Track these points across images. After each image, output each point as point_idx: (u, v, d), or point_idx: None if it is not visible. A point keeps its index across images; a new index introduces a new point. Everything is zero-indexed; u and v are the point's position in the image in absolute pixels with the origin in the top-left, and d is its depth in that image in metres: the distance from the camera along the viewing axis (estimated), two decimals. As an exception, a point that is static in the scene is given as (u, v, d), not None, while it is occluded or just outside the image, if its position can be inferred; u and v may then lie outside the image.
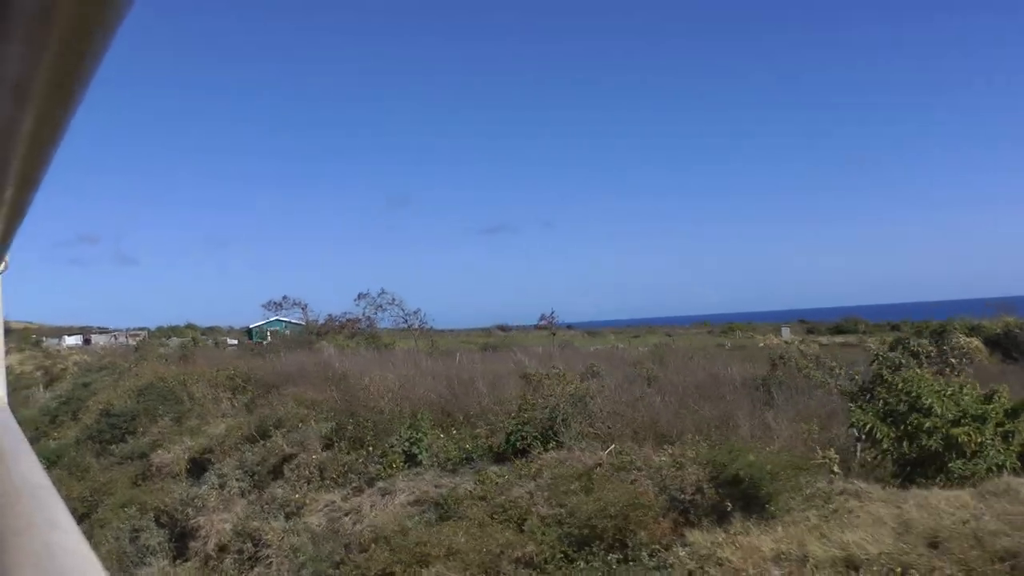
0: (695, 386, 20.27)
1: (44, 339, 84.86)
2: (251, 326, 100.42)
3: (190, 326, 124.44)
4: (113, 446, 24.73)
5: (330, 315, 54.18)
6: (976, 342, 32.15)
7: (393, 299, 53.47)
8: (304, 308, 54.30)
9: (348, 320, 54.02)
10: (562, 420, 13.06)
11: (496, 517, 10.47)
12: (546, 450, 13.13)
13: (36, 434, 31.23)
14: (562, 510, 10.01)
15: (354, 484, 14.75)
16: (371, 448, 15.85)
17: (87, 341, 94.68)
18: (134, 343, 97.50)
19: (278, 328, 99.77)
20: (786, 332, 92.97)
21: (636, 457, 11.02)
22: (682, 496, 9.37)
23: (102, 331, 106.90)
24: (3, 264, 1.64)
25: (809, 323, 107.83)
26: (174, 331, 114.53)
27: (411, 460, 14.67)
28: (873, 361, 15.98)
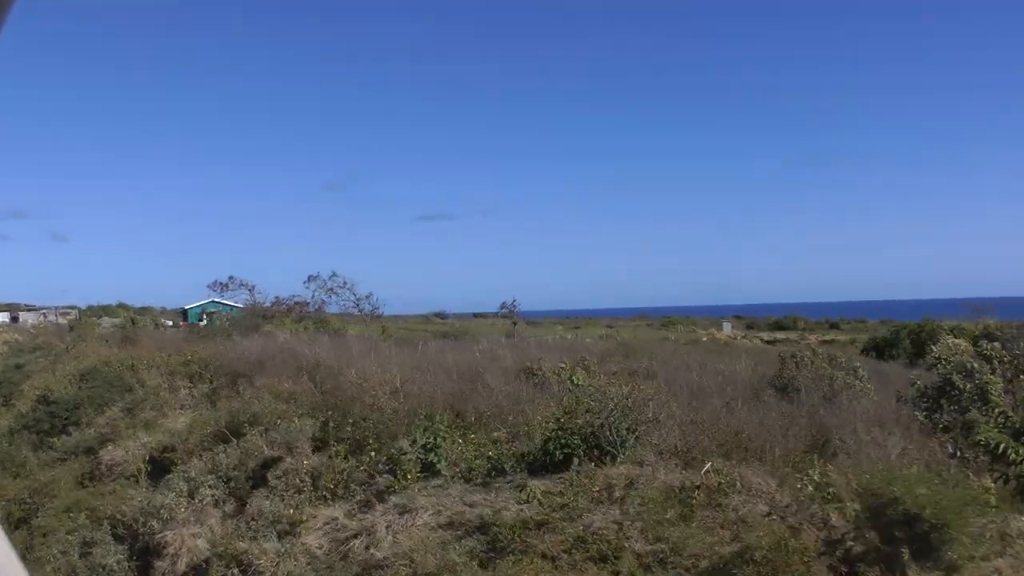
0: (715, 387, 18.68)
1: None
2: (187, 307, 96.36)
3: (122, 306, 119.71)
4: (54, 439, 21.75)
5: (277, 297, 51.18)
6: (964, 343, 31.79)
7: (345, 282, 50.84)
8: (252, 289, 51.01)
9: (296, 303, 51.17)
10: (616, 426, 11.12)
11: (576, 553, 8.44)
12: (595, 462, 11.21)
13: (-41, 421, 27.92)
14: (663, 546, 8.06)
15: (358, 497, 12.55)
16: (374, 453, 13.68)
17: (15, 319, 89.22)
18: (66, 322, 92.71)
19: (217, 310, 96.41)
20: (727, 327, 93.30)
21: (733, 477, 9.15)
22: (834, 536, 7.57)
23: (29, 308, 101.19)
24: None
25: (747, 318, 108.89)
26: (105, 311, 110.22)
27: (427, 469, 12.56)
28: (934, 365, 14.62)
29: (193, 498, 14.70)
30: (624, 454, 11.18)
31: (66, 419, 22.74)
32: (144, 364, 25.62)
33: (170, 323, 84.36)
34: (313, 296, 50.22)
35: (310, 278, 50.47)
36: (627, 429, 10.99)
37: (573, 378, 18.53)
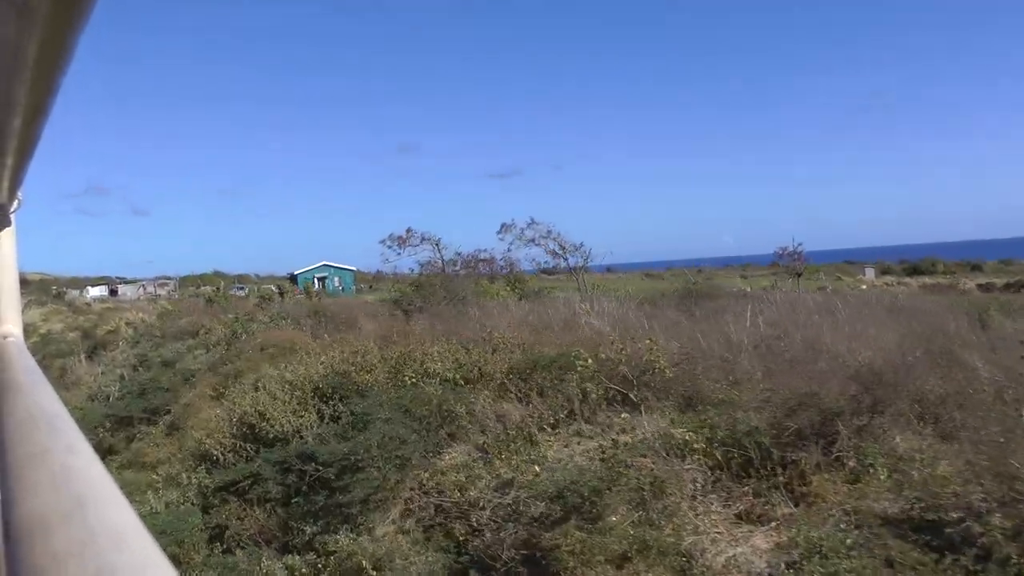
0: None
1: (66, 290, 70.57)
2: (296, 272, 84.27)
3: (218, 274, 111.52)
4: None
5: (458, 253, 39.59)
6: None
7: (548, 231, 38.91)
8: (437, 244, 39.47)
9: (483, 260, 39.64)
10: None
11: None
12: None
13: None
14: None
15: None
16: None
17: (113, 292, 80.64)
18: (163, 293, 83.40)
19: (327, 275, 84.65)
20: (870, 273, 79.38)
21: None
22: None
23: (121, 280, 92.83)
24: (17, 202, 1.52)
25: (882, 264, 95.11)
26: (202, 279, 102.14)
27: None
28: None
29: None
30: None
31: (344, 482, 11.42)
32: (469, 373, 14.13)
33: (277, 290, 74.93)
34: (509, 249, 38.50)
35: (504, 227, 38.73)
36: None
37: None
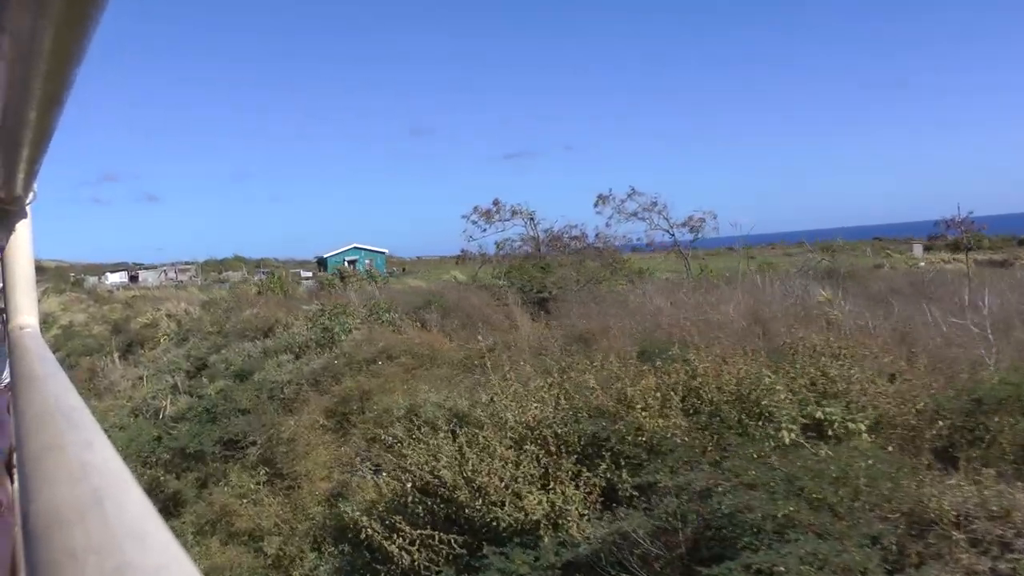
0: None
1: (84, 277, 65.34)
2: (325, 255, 78.78)
3: (239, 259, 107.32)
4: None
5: (548, 229, 33.56)
6: None
7: (654, 203, 33.04)
8: (531, 218, 33.52)
9: (574, 236, 33.78)
10: None
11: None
12: None
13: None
14: None
15: None
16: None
17: (133, 278, 76.47)
18: (185, 279, 78.97)
19: (356, 257, 79.57)
20: (918, 250, 74.90)
21: None
22: None
23: (140, 266, 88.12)
24: (32, 193, 1.55)
25: (914, 240, 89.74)
26: (223, 265, 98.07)
27: None
28: None
29: None
30: None
31: None
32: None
33: (309, 275, 68.01)
34: (608, 223, 32.68)
35: (601, 199, 32.75)
36: None
37: None
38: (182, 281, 74.54)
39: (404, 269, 75.74)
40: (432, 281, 42.68)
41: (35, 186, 1.57)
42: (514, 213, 33.39)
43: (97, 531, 0.41)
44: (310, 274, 70.79)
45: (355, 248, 79.13)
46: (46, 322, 35.55)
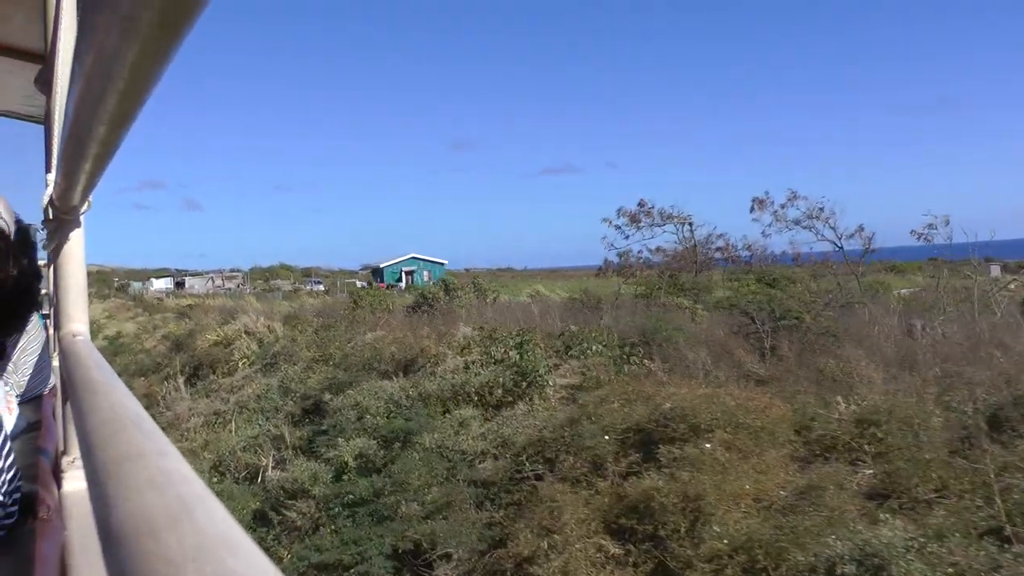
0: None
1: (129, 283, 61.04)
2: (381, 265, 74.23)
3: (284, 267, 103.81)
4: None
5: (712, 233, 27.62)
6: None
7: (820, 209, 27.04)
8: (687, 223, 27.73)
9: (718, 247, 28.02)
10: None
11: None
12: None
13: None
14: None
15: None
16: None
17: (179, 284, 72.29)
18: (233, 287, 75.34)
19: (415, 267, 74.95)
20: (995, 270, 69.79)
21: None
22: None
23: (184, 272, 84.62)
24: (87, 204, 1.54)
25: (971, 261, 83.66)
26: (269, 272, 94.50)
27: None
28: None
29: None
30: None
31: None
32: None
33: (365, 285, 64.42)
34: (766, 233, 27.06)
35: (757, 203, 26.82)
36: None
37: None
38: (231, 289, 70.31)
39: (475, 282, 70.93)
40: (533, 297, 36.87)
41: (90, 197, 1.56)
42: (667, 217, 27.52)
43: (191, 538, 0.41)
44: (365, 284, 67.37)
45: (413, 258, 74.23)
46: (92, 330, 32.03)
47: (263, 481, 15.21)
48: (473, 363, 13.74)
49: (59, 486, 1.86)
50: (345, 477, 12.00)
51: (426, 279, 69.42)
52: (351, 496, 10.83)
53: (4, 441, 1.95)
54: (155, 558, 0.40)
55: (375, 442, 12.55)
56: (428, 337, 15.95)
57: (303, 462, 13.67)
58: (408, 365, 15.39)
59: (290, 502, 12.97)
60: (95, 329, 37.41)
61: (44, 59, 2.05)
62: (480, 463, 10.29)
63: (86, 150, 0.96)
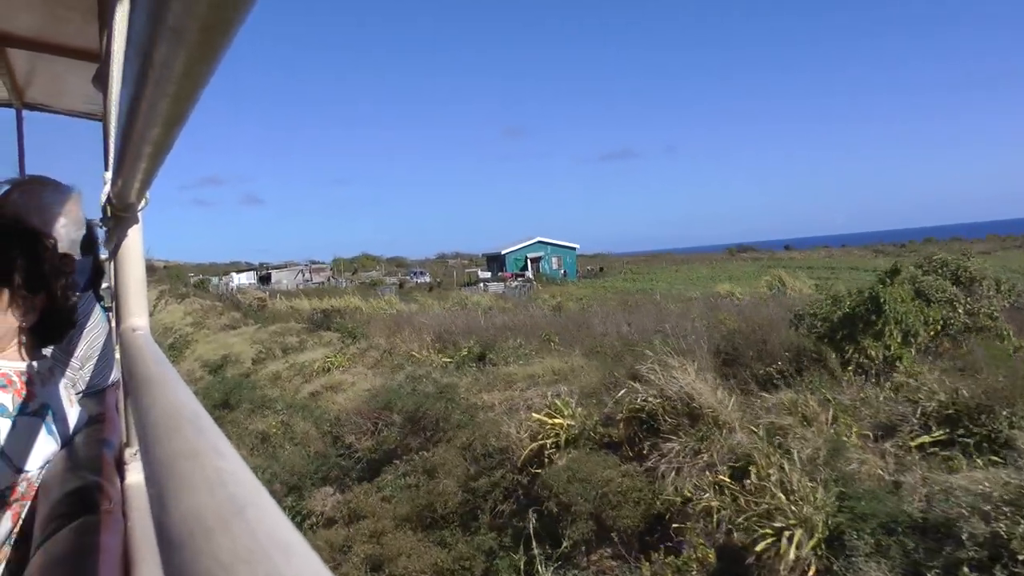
0: None
1: (208, 279, 59.57)
2: (503, 251, 67.14)
3: (368, 257, 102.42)
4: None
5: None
6: None
7: None
8: None
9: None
10: None
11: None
12: None
13: None
14: None
15: None
16: None
17: (264, 279, 70.36)
18: (322, 280, 73.06)
19: (541, 253, 65.24)
20: None
21: None
22: None
23: (268, 266, 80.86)
24: (144, 200, 1.64)
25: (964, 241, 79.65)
26: (353, 263, 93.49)
27: None
28: None
29: None
30: None
31: None
32: None
33: (488, 275, 62.53)
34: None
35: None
36: None
37: None
38: (322, 283, 68.11)
39: (602, 269, 65.85)
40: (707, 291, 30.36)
41: (148, 194, 1.63)
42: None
43: (243, 540, 0.41)
44: (488, 274, 63.15)
45: (539, 243, 65.72)
46: (173, 347, 29.17)
47: None
48: None
49: (122, 478, 1.90)
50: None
51: (555, 266, 62.97)
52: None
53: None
54: (209, 559, 0.41)
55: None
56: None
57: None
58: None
59: None
60: (178, 343, 31.44)
61: (100, 58, 2.09)
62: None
63: (140, 149, 1.01)
